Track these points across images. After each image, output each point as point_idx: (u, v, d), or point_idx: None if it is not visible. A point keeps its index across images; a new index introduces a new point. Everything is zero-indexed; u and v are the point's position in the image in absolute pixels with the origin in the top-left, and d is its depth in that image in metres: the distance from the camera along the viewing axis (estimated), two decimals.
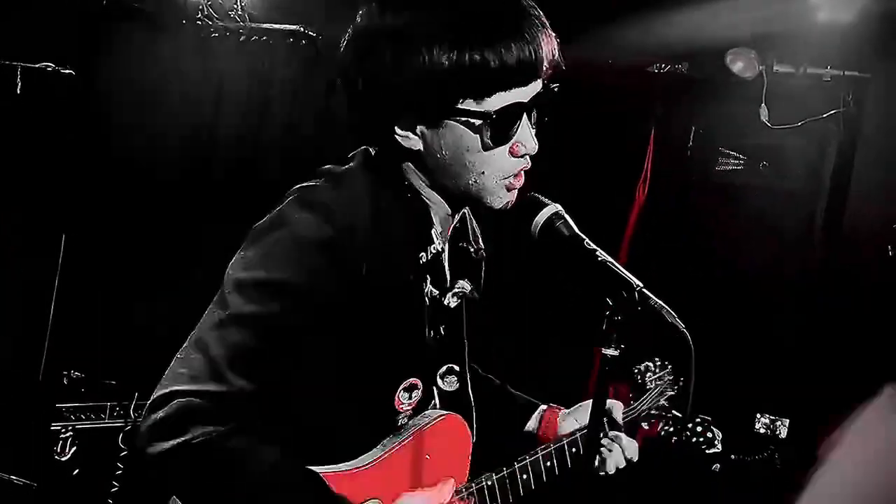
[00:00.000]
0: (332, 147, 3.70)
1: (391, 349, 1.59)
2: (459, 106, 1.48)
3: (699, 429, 2.19)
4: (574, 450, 1.88)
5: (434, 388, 1.73)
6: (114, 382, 3.45)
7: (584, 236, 1.52)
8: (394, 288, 1.58)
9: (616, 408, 1.99)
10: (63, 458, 3.23)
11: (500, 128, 1.50)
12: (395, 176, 1.61)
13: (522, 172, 1.57)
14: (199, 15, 4.39)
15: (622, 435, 1.94)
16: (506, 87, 1.47)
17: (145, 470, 1.39)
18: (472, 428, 1.77)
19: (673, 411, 2.15)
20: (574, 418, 1.97)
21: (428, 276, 1.65)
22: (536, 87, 1.52)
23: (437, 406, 1.73)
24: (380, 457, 1.62)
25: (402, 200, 1.60)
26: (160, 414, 1.38)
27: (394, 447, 1.63)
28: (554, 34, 1.51)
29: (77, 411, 3.27)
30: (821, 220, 4.31)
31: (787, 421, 4.06)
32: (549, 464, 1.84)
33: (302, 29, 4.41)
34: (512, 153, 1.54)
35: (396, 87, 1.47)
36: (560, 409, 2.01)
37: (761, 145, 4.40)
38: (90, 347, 3.73)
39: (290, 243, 1.46)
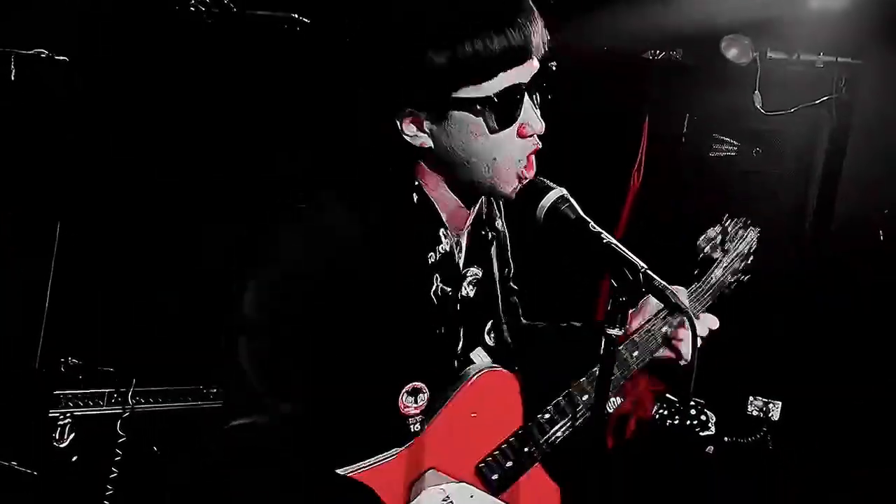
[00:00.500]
0: (327, 136, 3.71)
1: (391, 355, 1.61)
2: (459, 95, 1.50)
3: (693, 412, 2.21)
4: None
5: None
6: (112, 369, 3.46)
7: (589, 219, 1.54)
8: (396, 294, 1.61)
9: (681, 293, 1.93)
10: (62, 445, 3.23)
11: (503, 109, 1.52)
12: (403, 178, 1.63)
13: (534, 162, 1.59)
14: (193, 0, 4.36)
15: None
16: (500, 68, 1.49)
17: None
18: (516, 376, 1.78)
19: (668, 395, 2.17)
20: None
21: (437, 276, 1.67)
22: (533, 67, 1.53)
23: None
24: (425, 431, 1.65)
25: (407, 204, 1.62)
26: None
27: (433, 420, 1.67)
28: (537, 12, 1.53)
29: (75, 398, 3.28)
30: (813, 205, 4.35)
31: (780, 403, 4.10)
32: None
33: (297, 16, 4.40)
34: (520, 135, 1.56)
35: (393, 82, 1.51)
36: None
37: (755, 131, 4.43)
38: (88, 334, 3.72)
39: (296, 255, 1.53)
